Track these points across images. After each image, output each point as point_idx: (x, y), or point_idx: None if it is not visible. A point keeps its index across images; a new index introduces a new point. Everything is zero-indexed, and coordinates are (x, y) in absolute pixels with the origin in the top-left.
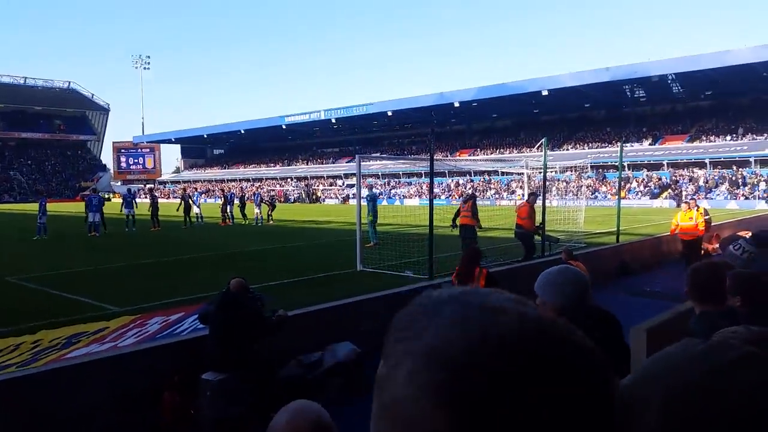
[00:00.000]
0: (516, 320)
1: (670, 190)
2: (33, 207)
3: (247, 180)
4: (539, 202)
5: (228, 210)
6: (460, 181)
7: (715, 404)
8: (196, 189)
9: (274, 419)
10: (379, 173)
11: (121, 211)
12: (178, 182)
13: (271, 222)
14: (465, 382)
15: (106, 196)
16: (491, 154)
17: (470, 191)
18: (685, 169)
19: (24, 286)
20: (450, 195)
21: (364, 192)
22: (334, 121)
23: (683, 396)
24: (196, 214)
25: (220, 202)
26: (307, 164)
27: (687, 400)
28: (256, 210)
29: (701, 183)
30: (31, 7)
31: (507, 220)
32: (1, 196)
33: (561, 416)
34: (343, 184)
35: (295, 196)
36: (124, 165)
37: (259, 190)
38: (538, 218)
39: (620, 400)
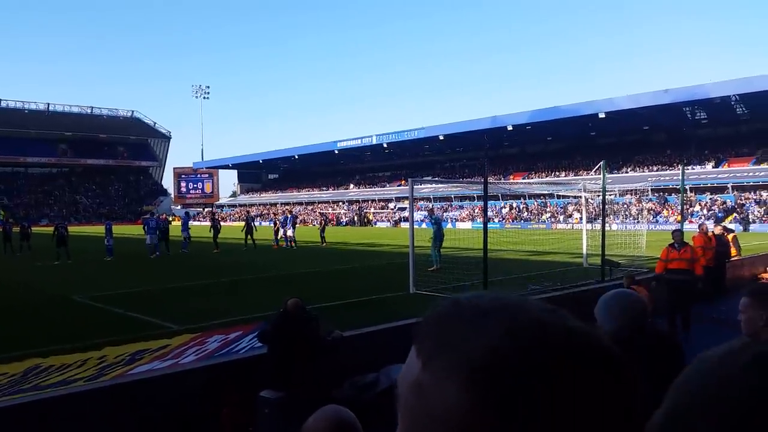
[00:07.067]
0: (507, 326)
1: (735, 214)
2: (96, 229)
3: (300, 203)
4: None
5: (281, 233)
6: (514, 204)
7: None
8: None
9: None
10: (431, 196)
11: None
12: (234, 206)
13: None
14: (505, 387)
15: (169, 218)
16: (546, 177)
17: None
18: (752, 192)
19: (90, 304)
20: (503, 219)
21: (422, 215)
22: (385, 145)
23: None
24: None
25: (273, 225)
26: (359, 188)
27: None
28: (290, 231)
29: None
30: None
31: (563, 243)
32: (68, 219)
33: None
34: (395, 207)
35: (347, 219)
36: (184, 190)
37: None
38: (595, 242)
39: None
